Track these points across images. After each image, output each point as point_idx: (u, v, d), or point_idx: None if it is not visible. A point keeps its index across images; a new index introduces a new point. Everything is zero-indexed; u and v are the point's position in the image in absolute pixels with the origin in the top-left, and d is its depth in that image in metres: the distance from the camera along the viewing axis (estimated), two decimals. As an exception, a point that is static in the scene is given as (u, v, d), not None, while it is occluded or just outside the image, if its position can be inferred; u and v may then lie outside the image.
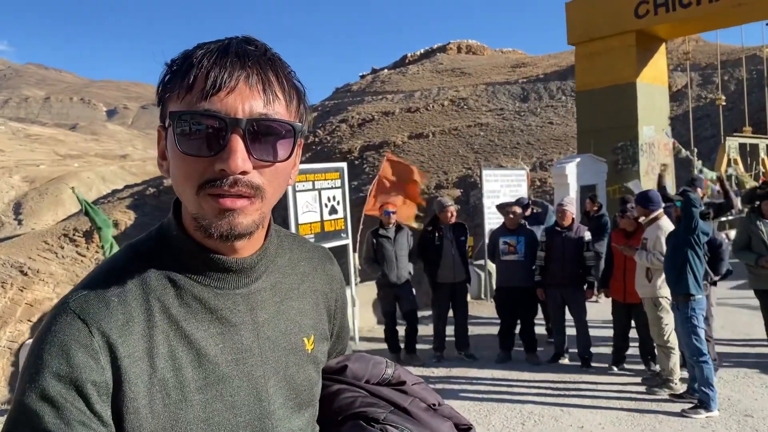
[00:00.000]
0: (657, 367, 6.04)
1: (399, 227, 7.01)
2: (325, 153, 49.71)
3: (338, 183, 7.78)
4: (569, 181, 11.66)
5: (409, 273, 6.95)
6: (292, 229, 7.18)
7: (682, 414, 4.97)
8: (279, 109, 0.85)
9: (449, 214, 6.93)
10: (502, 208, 7.67)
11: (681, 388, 5.42)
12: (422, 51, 78.95)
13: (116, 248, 7.10)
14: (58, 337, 0.79)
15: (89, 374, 0.77)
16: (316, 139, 54.50)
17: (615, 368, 6.27)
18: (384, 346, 7.06)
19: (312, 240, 7.34)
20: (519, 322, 6.91)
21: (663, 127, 15.00)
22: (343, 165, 8.03)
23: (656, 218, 5.65)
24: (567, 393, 5.62)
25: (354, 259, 8.41)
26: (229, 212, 0.82)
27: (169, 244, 0.90)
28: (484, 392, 5.70)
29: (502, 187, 10.54)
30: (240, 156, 0.80)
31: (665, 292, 5.43)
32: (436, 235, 6.94)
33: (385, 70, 76.21)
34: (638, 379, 5.89)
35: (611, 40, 14.21)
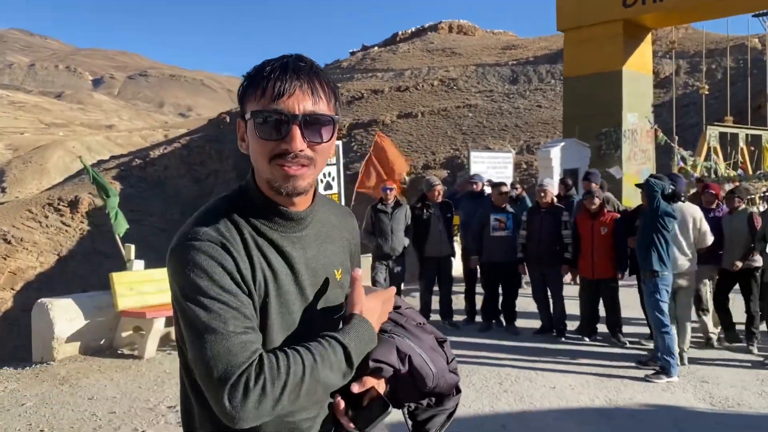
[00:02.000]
0: (625, 340, 6.57)
1: (398, 203, 7.42)
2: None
3: (333, 160, 8.17)
4: (553, 165, 12.12)
5: (405, 247, 7.37)
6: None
7: (645, 379, 5.48)
8: (323, 107, 1.24)
9: (436, 193, 7.37)
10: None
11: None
12: (413, 29, 78.44)
13: (121, 215, 7.44)
14: (208, 254, 1.18)
15: (237, 276, 1.19)
16: (306, 116, 54.02)
17: (587, 339, 6.78)
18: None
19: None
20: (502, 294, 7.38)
21: (646, 114, 15.46)
22: (338, 142, 8.41)
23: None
24: (542, 359, 6.11)
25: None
26: (293, 177, 1.23)
27: (250, 199, 1.29)
28: (466, 356, 6.17)
29: (489, 168, 10.96)
30: (298, 139, 1.21)
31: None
32: (424, 211, 7.37)
33: (376, 48, 75.76)
34: (607, 347, 6.42)
35: (599, 28, 14.58)
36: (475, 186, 8.03)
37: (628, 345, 6.54)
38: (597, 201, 6.61)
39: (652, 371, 5.56)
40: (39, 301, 6.35)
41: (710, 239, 5.99)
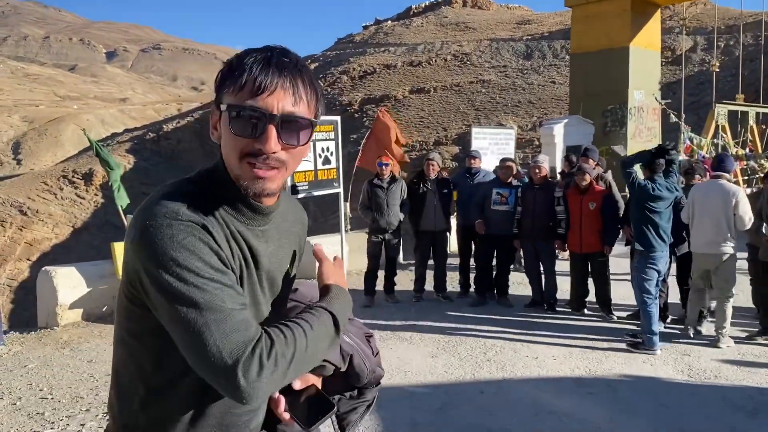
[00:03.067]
0: (613, 314, 6.69)
1: (394, 178, 7.55)
2: (326, 104, 49.16)
3: (332, 135, 8.29)
4: (556, 141, 12.13)
5: (399, 221, 7.51)
6: (288, 177, 7.73)
7: (627, 350, 5.62)
8: (302, 108, 1.18)
9: (430, 168, 7.48)
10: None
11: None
12: (427, 3, 77.54)
13: (123, 189, 7.65)
14: (194, 234, 1.12)
15: (221, 254, 1.15)
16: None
17: (576, 313, 6.92)
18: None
19: (306, 187, 7.91)
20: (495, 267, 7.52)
21: (653, 92, 15.35)
22: (337, 118, 8.54)
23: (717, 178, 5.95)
24: (530, 331, 6.26)
25: (345, 208, 8.99)
26: (262, 179, 1.17)
27: (220, 187, 1.22)
28: (454, 327, 6.35)
29: (491, 144, 11.01)
30: (273, 141, 1.15)
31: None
32: (420, 186, 7.50)
33: (389, 22, 75.06)
34: (595, 321, 6.56)
35: (606, 4, 14.43)
36: (471, 162, 8.10)
37: (615, 319, 6.66)
38: (587, 177, 6.70)
39: (635, 342, 5.69)
40: (44, 269, 6.59)
41: (748, 223, 5.70)
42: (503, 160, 7.64)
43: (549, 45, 56.00)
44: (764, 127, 21.64)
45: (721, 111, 17.37)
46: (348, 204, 9.23)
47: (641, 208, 5.59)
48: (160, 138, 62.77)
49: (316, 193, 8.42)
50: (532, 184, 7.17)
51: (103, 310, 6.75)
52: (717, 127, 17.33)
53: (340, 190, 8.61)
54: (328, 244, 9.31)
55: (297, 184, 7.82)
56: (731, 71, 33.42)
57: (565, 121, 12.81)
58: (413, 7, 76.11)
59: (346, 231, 9.10)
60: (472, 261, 7.92)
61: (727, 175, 6.02)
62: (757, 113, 20.57)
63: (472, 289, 7.74)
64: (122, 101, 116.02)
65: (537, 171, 7.09)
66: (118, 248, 6.67)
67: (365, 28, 73.99)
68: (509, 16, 70.61)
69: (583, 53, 15.20)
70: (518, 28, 62.98)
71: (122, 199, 7.48)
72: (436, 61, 55.81)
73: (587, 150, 7.66)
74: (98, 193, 49.65)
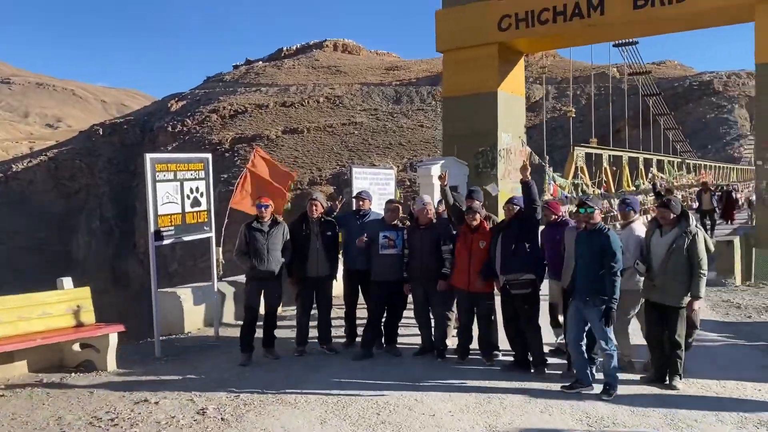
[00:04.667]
0: (493, 360, 6.47)
1: (275, 221, 6.93)
2: (194, 143, 47.95)
3: (202, 174, 7.57)
4: (434, 182, 12.12)
5: (281, 268, 6.86)
6: (151, 220, 6.87)
7: (524, 399, 5.37)
8: None
9: (313, 208, 6.98)
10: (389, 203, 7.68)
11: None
12: (298, 46, 78.25)
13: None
14: None
15: None
16: (184, 129, 52.38)
17: (466, 360, 6.62)
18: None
19: (172, 232, 7.08)
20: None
21: (519, 135, 16.07)
22: (208, 156, 7.83)
23: (631, 222, 6.22)
24: (422, 385, 5.84)
25: (218, 254, 8.21)
26: None
27: None
28: (343, 383, 5.81)
29: (371, 185, 10.74)
30: None
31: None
32: (303, 228, 6.97)
33: (260, 62, 74.70)
34: (487, 367, 6.30)
35: (476, 50, 14.99)
36: (361, 203, 7.67)
37: (496, 364, 6.46)
38: (478, 217, 6.57)
39: (606, 394, 5.48)
40: None
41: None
42: (389, 202, 7.31)
43: (417, 90, 58.48)
44: (615, 168, 23.63)
45: (579, 153, 18.67)
46: (221, 249, 8.44)
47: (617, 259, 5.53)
48: (8, 179, 57.65)
49: (185, 239, 7.62)
50: (417, 225, 6.91)
51: None
52: (576, 168, 18.59)
53: (212, 234, 7.86)
54: (198, 292, 8.44)
55: (161, 229, 6.98)
56: (579, 118, 36.53)
57: (442, 162, 12.94)
58: (285, 48, 76.58)
59: (219, 279, 8.31)
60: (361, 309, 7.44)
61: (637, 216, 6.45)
62: (609, 155, 22.48)
63: (358, 339, 7.24)
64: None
65: (425, 212, 6.85)
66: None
67: (236, 67, 73.21)
68: (379, 62, 73.05)
69: (454, 97, 15.61)
70: (387, 73, 65.29)
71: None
72: (308, 102, 56.18)
73: (472, 191, 7.58)
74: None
